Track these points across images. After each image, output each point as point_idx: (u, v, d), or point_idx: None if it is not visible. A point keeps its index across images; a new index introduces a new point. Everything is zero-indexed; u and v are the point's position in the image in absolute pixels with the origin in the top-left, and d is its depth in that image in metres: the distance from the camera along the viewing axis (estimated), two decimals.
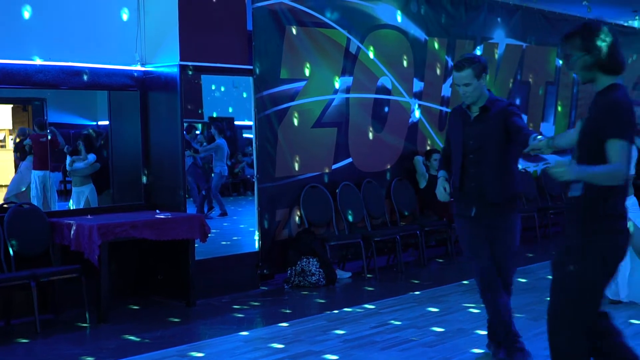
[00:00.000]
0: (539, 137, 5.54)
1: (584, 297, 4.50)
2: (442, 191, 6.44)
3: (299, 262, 9.78)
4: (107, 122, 9.72)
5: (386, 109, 11.48)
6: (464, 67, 6.23)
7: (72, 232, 8.14)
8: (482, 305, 8.41)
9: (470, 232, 6.32)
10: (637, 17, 16.76)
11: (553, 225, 14.06)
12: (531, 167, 14.32)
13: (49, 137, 10.12)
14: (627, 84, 16.42)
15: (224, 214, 15.36)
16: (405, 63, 11.80)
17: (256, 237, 9.85)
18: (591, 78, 4.66)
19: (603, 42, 4.60)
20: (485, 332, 7.31)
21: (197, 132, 16.30)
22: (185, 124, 13.79)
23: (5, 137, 11.98)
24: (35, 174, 10.33)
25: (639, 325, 7.56)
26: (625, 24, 16.66)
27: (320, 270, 9.76)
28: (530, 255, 12.04)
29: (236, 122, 18.74)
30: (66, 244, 8.23)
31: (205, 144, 15.87)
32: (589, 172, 4.41)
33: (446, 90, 12.51)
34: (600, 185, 4.41)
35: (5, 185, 10.54)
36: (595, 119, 4.54)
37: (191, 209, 13.63)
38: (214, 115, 17.34)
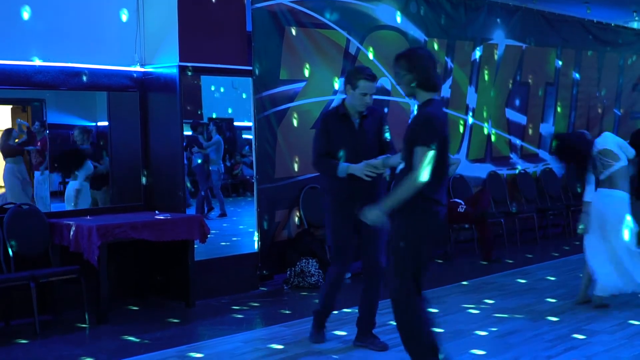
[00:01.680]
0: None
1: (406, 263, 5.54)
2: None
3: (298, 263, 9.78)
4: (106, 123, 9.72)
5: (385, 110, 11.48)
6: (377, 78, 6.82)
7: (71, 232, 8.15)
8: (482, 306, 8.45)
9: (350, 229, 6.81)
10: (636, 18, 16.76)
11: (552, 227, 14.05)
12: (530, 168, 14.33)
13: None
14: (627, 85, 16.46)
15: (223, 214, 15.34)
16: None
17: (255, 238, 9.85)
18: (412, 93, 5.59)
19: (423, 65, 5.58)
20: (484, 333, 7.33)
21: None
22: (189, 122, 13.77)
23: None
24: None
25: (637, 325, 7.56)
26: (625, 25, 16.66)
27: (320, 271, 9.76)
28: (530, 256, 12.04)
29: (235, 123, 18.72)
30: (65, 244, 8.24)
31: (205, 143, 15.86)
32: (392, 199, 5.46)
33: (445, 91, 12.51)
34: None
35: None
36: (411, 129, 5.49)
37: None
38: (214, 116, 17.30)
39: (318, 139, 6.87)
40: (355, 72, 6.82)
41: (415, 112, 5.63)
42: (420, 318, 5.65)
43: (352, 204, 6.58)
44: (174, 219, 8.62)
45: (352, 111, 6.79)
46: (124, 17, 9.29)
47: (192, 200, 14.85)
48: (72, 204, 9.62)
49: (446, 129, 5.54)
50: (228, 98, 16.23)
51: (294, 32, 10.19)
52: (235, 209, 16.17)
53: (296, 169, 10.29)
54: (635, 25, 17.13)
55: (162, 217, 8.61)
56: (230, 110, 17.38)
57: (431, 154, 5.32)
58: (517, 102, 14.03)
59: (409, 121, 5.67)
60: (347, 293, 9.61)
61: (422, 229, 5.50)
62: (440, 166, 5.45)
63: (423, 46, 5.65)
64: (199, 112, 16.14)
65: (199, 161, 15.16)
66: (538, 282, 9.89)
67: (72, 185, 9.79)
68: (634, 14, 16.47)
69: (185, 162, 14.86)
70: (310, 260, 9.77)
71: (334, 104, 10.65)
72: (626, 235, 8.17)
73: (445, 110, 12.25)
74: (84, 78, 8.87)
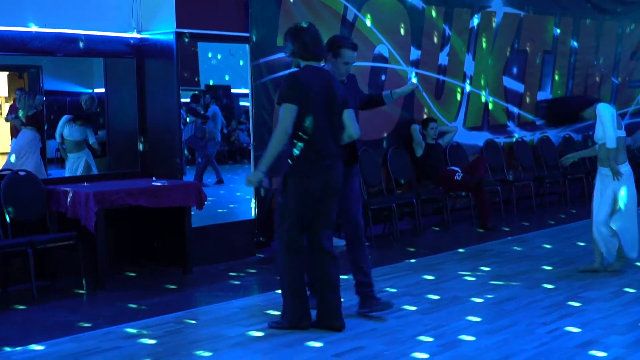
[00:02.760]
0: None
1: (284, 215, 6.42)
2: None
3: None
4: (103, 90, 9.69)
5: (383, 77, 11.46)
6: (357, 47, 6.93)
7: (68, 199, 8.15)
8: (478, 273, 8.49)
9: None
10: None
11: (549, 195, 14.07)
12: (528, 136, 14.32)
13: None
14: (625, 53, 16.41)
15: (220, 181, 15.34)
16: (402, 31, 11.77)
17: (252, 205, 9.86)
18: (296, 63, 6.45)
19: (301, 37, 6.34)
20: (480, 300, 7.37)
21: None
22: (189, 89, 13.69)
23: (1, 104, 11.92)
24: None
25: (633, 293, 7.59)
26: None
27: None
28: (526, 224, 12.07)
29: (233, 90, 18.66)
30: (63, 211, 8.24)
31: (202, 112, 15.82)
32: (264, 158, 6.29)
33: (443, 58, 12.48)
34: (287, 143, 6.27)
35: (4, 153, 10.48)
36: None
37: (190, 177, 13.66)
38: (211, 83, 17.23)
39: None
40: (337, 40, 6.90)
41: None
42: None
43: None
44: (171, 185, 8.62)
45: None
46: None
47: (190, 168, 14.85)
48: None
49: (316, 89, 6.23)
50: (225, 65, 16.14)
51: None
52: (232, 176, 16.16)
53: None
54: None
55: (159, 184, 8.61)
56: (227, 77, 17.30)
57: (291, 109, 6.18)
58: (515, 70, 13.99)
59: None
60: (344, 259, 9.66)
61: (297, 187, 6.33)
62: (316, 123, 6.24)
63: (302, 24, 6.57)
64: (196, 79, 16.08)
65: (193, 132, 15.10)
66: (534, 250, 9.93)
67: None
68: None
69: (183, 128, 14.85)
70: None
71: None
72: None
73: (441, 77, 12.27)
74: (81, 44, 8.83)
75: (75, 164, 9.74)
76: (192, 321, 6.95)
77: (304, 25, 6.47)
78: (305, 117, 6.20)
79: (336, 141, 6.42)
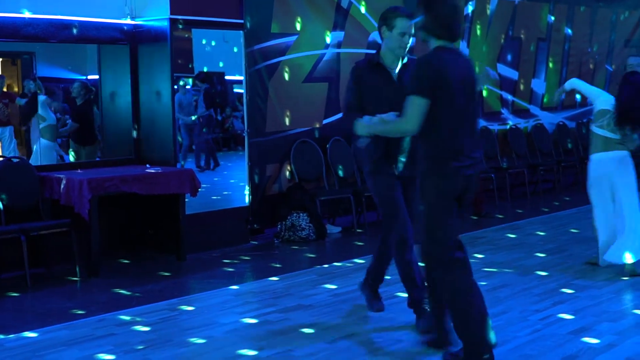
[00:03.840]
0: None
1: (431, 225, 5.22)
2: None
3: (289, 217, 9.80)
4: (97, 77, 9.67)
5: None
6: (413, 17, 5.77)
7: (62, 186, 8.13)
8: (472, 261, 8.44)
9: (396, 189, 6.15)
10: None
11: (543, 182, 14.09)
12: (522, 123, 14.33)
13: None
14: (619, 41, 16.41)
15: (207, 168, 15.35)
16: None
17: (246, 192, 9.86)
18: (425, 38, 5.20)
19: (437, 10, 5.11)
20: None
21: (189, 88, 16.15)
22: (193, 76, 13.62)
23: None
24: None
25: (625, 281, 7.60)
26: None
27: (310, 225, 9.79)
28: (520, 211, 12.09)
29: (227, 77, 18.64)
30: (56, 198, 8.22)
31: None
32: (377, 126, 5.36)
33: None
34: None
35: None
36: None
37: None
38: (205, 69, 17.22)
39: (347, 92, 6.23)
40: (389, 11, 6.09)
41: None
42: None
43: (389, 161, 6.12)
44: (164, 172, 8.61)
45: (390, 60, 6.12)
46: None
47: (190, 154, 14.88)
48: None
49: (449, 75, 5.00)
50: (219, 51, 16.12)
51: None
52: (226, 163, 16.15)
53: (287, 123, 10.28)
54: None
55: (152, 171, 8.60)
56: (221, 64, 17.28)
57: (420, 102, 4.96)
58: (509, 57, 13.99)
59: None
60: (338, 247, 9.68)
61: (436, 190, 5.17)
62: (447, 117, 5.06)
63: None
64: (190, 66, 16.04)
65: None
66: (528, 237, 9.94)
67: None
68: None
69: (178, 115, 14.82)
70: (301, 214, 9.79)
71: (325, 58, 10.63)
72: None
73: None
74: (74, 31, 8.80)
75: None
76: (186, 308, 6.95)
77: None
78: (441, 111, 5.02)
79: (476, 138, 5.31)
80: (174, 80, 9.23)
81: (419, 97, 4.94)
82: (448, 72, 5.00)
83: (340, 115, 10.80)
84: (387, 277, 7.56)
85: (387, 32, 6.03)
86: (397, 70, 6.15)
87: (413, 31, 5.90)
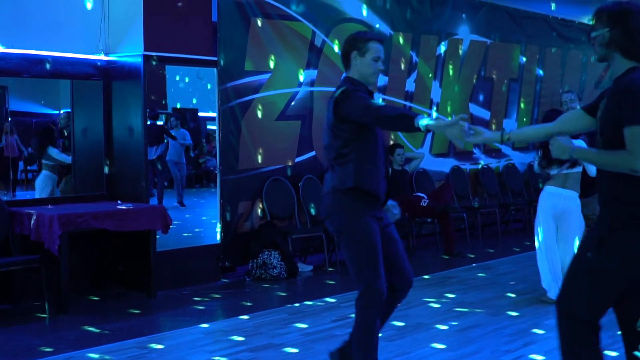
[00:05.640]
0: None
1: (595, 288, 4.28)
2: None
3: (260, 255, 9.77)
4: (69, 111, 9.64)
5: None
6: (384, 41, 5.57)
7: (32, 221, 8.07)
8: (443, 300, 8.49)
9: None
10: None
11: (514, 222, 14.15)
12: (493, 163, 14.42)
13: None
14: (590, 82, 16.60)
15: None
16: None
17: (218, 229, 9.83)
18: (606, 57, 4.28)
19: (630, 23, 4.18)
20: (445, 327, 7.37)
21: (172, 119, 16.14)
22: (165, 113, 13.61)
23: None
24: None
25: None
26: (591, 23, 16.81)
27: (282, 263, 9.77)
28: (491, 250, 12.12)
29: (200, 114, 18.68)
30: (26, 233, 8.15)
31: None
32: (593, 154, 4.31)
33: (410, 85, 12.55)
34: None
35: None
36: (616, 104, 4.13)
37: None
38: (178, 106, 17.25)
39: (362, 100, 5.28)
40: (359, 35, 5.58)
41: (614, 87, 4.22)
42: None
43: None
44: (136, 209, 8.58)
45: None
46: (89, 5, 9.19)
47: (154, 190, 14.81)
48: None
49: None
50: (193, 88, 16.19)
51: (259, 23, 10.17)
52: (198, 199, 16.15)
53: (260, 161, 10.28)
54: None
55: (124, 207, 8.56)
56: (194, 101, 17.34)
57: None
58: (481, 97, 14.11)
59: (607, 98, 4.26)
60: (309, 285, 9.65)
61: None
62: None
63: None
64: (163, 102, 16.07)
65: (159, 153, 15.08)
66: (499, 277, 9.96)
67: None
68: None
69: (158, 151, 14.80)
70: (273, 252, 9.77)
71: (298, 96, 10.66)
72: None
73: (407, 103, 12.34)
74: (48, 66, 8.78)
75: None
76: (156, 346, 6.90)
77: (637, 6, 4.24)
78: None
79: None
80: (146, 117, 9.22)
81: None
82: None
83: (312, 153, 10.83)
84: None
85: (358, 58, 5.42)
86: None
87: (384, 56, 5.52)
